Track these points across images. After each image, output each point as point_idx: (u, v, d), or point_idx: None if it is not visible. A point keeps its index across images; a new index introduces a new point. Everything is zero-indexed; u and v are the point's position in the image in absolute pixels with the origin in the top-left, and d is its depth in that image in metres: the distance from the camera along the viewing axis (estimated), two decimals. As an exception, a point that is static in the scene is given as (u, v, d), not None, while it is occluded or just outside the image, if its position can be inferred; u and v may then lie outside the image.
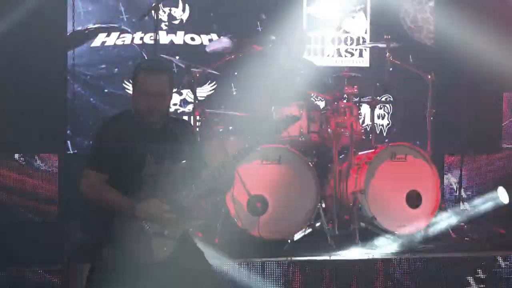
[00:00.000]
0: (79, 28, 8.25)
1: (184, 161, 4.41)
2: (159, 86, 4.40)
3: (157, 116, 4.42)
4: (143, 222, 4.29)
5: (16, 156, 7.53)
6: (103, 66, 8.42)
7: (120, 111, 4.58)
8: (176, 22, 8.61)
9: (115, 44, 8.42)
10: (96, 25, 8.34)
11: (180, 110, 8.54)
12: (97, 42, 8.38)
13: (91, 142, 4.46)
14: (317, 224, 6.74)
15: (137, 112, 4.43)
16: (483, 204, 8.00)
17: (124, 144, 4.34)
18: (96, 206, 4.41)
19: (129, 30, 8.42)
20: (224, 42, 7.52)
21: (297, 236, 6.60)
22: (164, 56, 7.36)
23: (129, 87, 7.89)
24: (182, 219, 4.37)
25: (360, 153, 7.17)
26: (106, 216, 4.32)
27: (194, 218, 4.47)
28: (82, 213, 6.61)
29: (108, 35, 8.40)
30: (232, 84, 8.42)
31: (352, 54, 9.04)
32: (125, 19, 8.39)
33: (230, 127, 7.38)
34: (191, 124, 4.89)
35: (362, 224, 6.76)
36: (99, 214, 4.39)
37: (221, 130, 7.27)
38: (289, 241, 6.53)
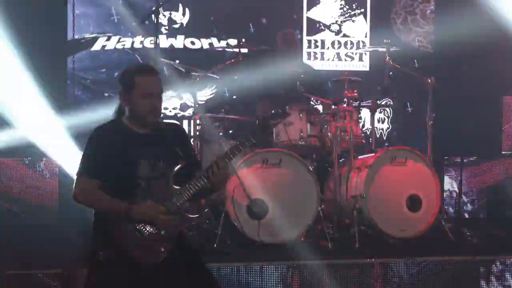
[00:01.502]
0: (77, 37, 8.26)
1: (177, 163, 4.43)
2: (159, 86, 4.49)
3: (158, 116, 4.49)
4: (139, 225, 4.30)
5: (17, 159, 7.53)
6: (103, 70, 8.42)
7: (109, 120, 4.58)
8: (176, 26, 8.62)
9: (115, 48, 8.43)
10: (94, 34, 8.35)
11: (180, 114, 8.55)
12: (97, 46, 8.39)
13: (83, 151, 4.49)
14: (317, 228, 6.73)
15: (138, 115, 4.45)
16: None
17: (116, 149, 4.37)
18: (93, 210, 4.42)
19: (129, 34, 8.44)
20: None
21: (297, 240, 6.59)
22: (164, 60, 7.36)
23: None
24: (178, 220, 4.38)
25: (360, 157, 7.17)
26: (102, 219, 4.33)
27: (190, 219, 4.49)
28: (81, 217, 6.60)
29: (108, 39, 8.41)
30: (226, 89, 8.42)
31: (352, 58, 9.05)
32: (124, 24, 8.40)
33: (230, 131, 7.39)
34: (182, 126, 4.92)
35: (362, 228, 6.76)
36: (96, 217, 4.40)
37: (221, 134, 7.28)
38: (289, 244, 6.53)
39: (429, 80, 7.27)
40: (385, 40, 7.40)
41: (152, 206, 4.32)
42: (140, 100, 4.43)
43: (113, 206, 4.30)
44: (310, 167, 6.73)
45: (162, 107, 4.55)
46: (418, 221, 6.82)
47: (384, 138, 8.98)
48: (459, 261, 6.23)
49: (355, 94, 7.14)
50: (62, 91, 7.92)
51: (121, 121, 4.52)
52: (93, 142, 4.44)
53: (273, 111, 4.74)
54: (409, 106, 8.79)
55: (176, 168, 4.42)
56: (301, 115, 7.02)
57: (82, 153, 4.48)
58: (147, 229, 4.31)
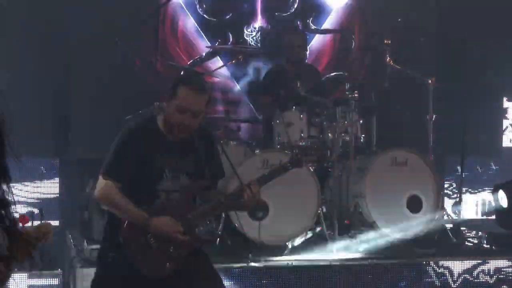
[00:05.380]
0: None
1: (202, 177, 4.34)
2: (199, 105, 4.29)
3: (188, 132, 4.33)
4: (149, 236, 4.24)
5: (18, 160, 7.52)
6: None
7: (143, 120, 4.46)
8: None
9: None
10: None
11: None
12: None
13: (111, 148, 4.33)
14: (318, 229, 6.73)
15: (168, 124, 4.33)
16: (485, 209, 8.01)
17: (142, 156, 4.27)
18: (107, 213, 4.39)
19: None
20: None
21: (298, 241, 6.59)
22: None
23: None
24: (191, 241, 4.29)
25: (360, 157, 7.16)
26: (115, 223, 4.29)
27: (202, 240, 4.40)
28: (86, 219, 6.61)
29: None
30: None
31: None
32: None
33: (231, 132, 7.38)
34: (213, 136, 4.78)
35: (363, 229, 6.75)
36: (109, 218, 4.38)
37: (221, 135, 7.26)
38: (289, 245, 6.53)
39: (430, 81, 7.27)
40: (385, 41, 7.39)
41: (170, 224, 4.22)
42: (175, 111, 4.27)
43: (131, 213, 4.22)
44: (310, 168, 6.73)
45: (198, 124, 4.34)
46: (419, 222, 6.82)
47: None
48: (458, 261, 6.25)
49: (356, 94, 7.12)
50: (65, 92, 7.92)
51: (155, 120, 4.39)
52: (122, 142, 4.32)
53: (311, 151, 4.69)
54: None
55: (199, 185, 4.33)
56: (301, 115, 7.01)
57: (110, 151, 4.33)
58: (157, 243, 4.24)
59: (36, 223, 3.44)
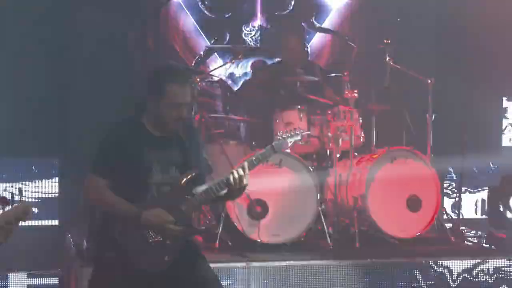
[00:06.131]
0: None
1: (190, 170, 4.36)
2: (188, 96, 4.37)
3: (182, 124, 4.39)
4: (145, 230, 4.26)
5: (18, 159, 7.54)
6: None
7: (125, 118, 4.49)
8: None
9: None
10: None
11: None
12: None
13: (98, 146, 4.37)
14: (317, 228, 6.73)
15: (162, 122, 4.35)
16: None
17: (130, 152, 4.30)
18: (101, 211, 4.40)
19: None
20: None
21: (297, 240, 6.59)
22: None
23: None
24: (185, 231, 4.32)
25: (360, 157, 7.17)
26: (109, 221, 4.30)
27: (196, 230, 4.42)
28: (84, 217, 6.61)
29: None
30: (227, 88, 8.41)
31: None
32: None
33: (230, 131, 7.38)
34: (197, 129, 4.83)
35: (362, 228, 6.76)
36: (103, 217, 4.38)
37: (221, 134, 7.27)
38: (289, 245, 6.53)
39: (429, 81, 7.27)
40: (385, 41, 7.39)
41: (161, 215, 4.24)
42: (168, 109, 4.30)
43: (122, 208, 4.25)
44: (310, 167, 6.73)
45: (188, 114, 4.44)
46: (418, 221, 6.83)
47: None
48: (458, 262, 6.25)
49: (356, 94, 7.12)
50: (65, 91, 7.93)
51: (139, 120, 4.41)
52: (109, 140, 4.36)
53: (294, 129, 4.68)
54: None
55: (188, 176, 4.35)
56: (301, 115, 7.01)
57: (96, 148, 4.36)
58: (153, 237, 4.27)
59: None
